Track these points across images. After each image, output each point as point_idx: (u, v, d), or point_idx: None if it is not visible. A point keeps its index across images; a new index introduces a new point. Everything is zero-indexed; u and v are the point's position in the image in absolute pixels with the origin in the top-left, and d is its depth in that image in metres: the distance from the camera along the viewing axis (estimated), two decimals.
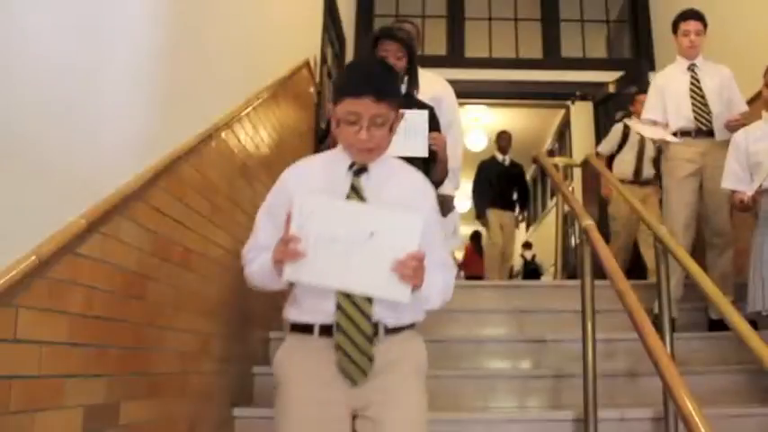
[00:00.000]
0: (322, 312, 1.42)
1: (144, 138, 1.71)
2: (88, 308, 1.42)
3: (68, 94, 1.36)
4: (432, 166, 2.36)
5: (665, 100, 3.50)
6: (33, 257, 1.19)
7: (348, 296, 1.39)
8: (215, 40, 2.24)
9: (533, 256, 9.73)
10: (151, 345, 1.76)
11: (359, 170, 1.48)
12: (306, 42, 3.90)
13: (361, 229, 1.33)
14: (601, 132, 5.72)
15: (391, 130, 1.46)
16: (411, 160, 1.72)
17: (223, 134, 2.28)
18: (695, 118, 3.38)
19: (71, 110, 1.37)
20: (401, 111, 1.49)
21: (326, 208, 1.36)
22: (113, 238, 1.52)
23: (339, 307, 1.40)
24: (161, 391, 1.82)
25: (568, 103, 6.83)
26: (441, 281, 1.50)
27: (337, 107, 1.43)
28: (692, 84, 3.46)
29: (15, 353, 1.18)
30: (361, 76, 1.45)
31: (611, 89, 5.67)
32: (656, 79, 3.68)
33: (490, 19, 6.18)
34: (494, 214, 5.75)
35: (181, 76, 1.94)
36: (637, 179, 4.46)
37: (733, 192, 2.88)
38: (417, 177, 1.58)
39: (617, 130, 4.67)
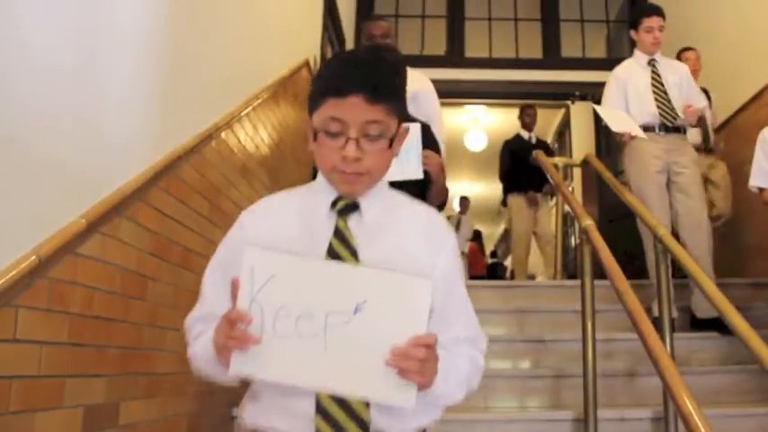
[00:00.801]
0: (294, 415, 0.96)
1: (144, 138, 1.71)
2: (88, 308, 1.42)
3: (68, 94, 1.35)
4: (427, 188, 2.10)
5: (627, 94, 3.48)
6: (33, 257, 1.19)
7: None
8: (215, 39, 2.24)
9: None
10: (151, 345, 1.76)
11: (345, 208, 1.03)
12: (306, 42, 3.90)
13: (343, 302, 0.90)
14: (601, 132, 5.72)
15: (391, 145, 1.02)
16: (401, 184, 1.28)
17: (223, 134, 2.28)
18: (660, 114, 3.37)
19: (71, 110, 1.36)
20: (405, 125, 1.07)
21: (291, 269, 0.92)
22: (113, 238, 1.52)
23: (320, 410, 0.94)
24: (161, 391, 1.82)
25: (568, 102, 6.83)
26: (465, 365, 1.04)
27: (314, 115, 1.01)
28: (653, 79, 3.45)
29: (15, 353, 1.18)
30: (348, 67, 1.00)
31: None
32: (617, 73, 3.58)
33: (490, 19, 6.18)
34: (518, 201, 5.20)
35: (181, 75, 1.94)
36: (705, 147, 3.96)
37: (760, 189, 2.85)
38: (429, 214, 1.12)
39: None
